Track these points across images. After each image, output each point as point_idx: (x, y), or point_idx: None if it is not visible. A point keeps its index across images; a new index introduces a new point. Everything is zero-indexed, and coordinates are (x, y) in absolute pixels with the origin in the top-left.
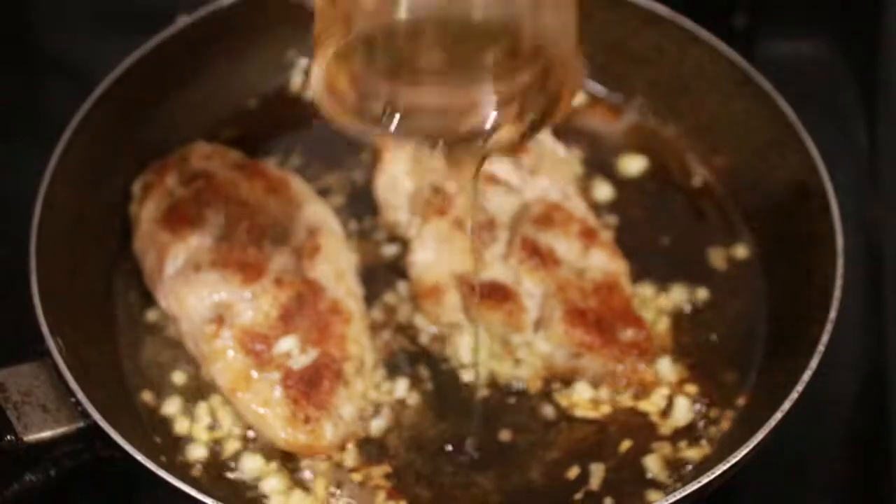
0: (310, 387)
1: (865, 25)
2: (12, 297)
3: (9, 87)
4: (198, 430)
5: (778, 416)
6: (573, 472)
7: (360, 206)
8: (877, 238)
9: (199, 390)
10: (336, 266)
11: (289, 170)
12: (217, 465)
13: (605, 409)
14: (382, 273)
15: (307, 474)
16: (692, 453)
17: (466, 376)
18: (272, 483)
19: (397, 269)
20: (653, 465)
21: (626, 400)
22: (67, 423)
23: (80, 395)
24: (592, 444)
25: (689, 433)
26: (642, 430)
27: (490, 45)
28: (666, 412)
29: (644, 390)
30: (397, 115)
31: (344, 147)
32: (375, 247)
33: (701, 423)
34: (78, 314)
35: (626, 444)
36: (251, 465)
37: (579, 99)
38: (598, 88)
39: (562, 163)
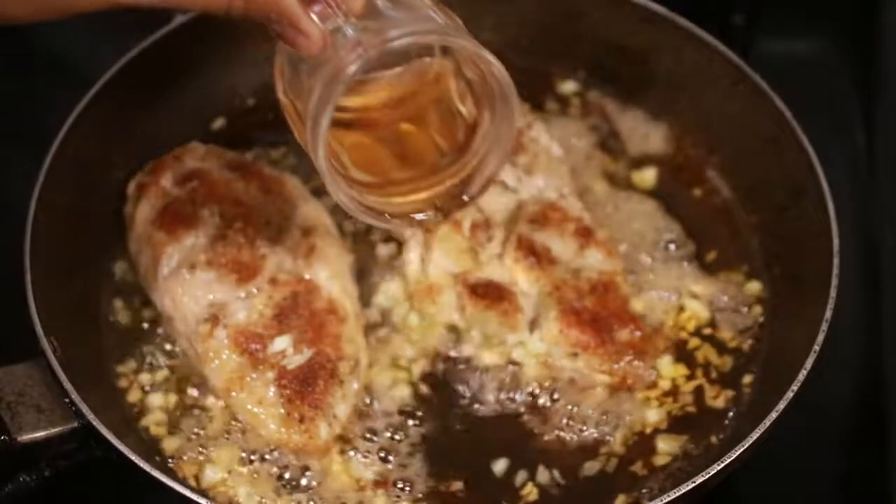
0: (304, 386)
1: (863, 24)
2: (6, 297)
3: (3, 86)
4: (191, 429)
5: (773, 415)
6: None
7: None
8: (873, 238)
9: (193, 390)
10: (331, 265)
11: (284, 169)
12: (210, 465)
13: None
14: (378, 272)
15: (297, 471)
16: (687, 452)
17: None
18: (263, 481)
19: (393, 269)
20: (655, 462)
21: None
22: (61, 424)
23: (74, 396)
24: (594, 443)
25: (684, 432)
26: (636, 431)
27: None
28: (662, 409)
29: (641, 389)
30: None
31: None
32: (371, 246)
33: (696, 423)
34: (72, 314)
35: (620, 442)
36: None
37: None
38: (593, 87)
39: (557, 162)
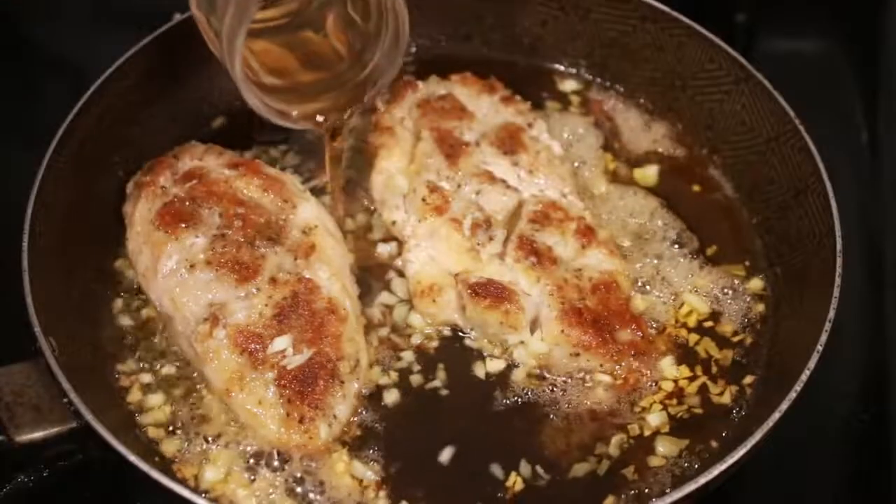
0: (304, 386)
1: (865, 23)
2: (5, 297)
3: (3, 85)
4: (191, 430)
5: (776, 416)
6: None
7: (356, 205)
8: (877, 237)
9: (192, 390)
10: (331, 265)
11: (283, 168)
12: (209, 465)
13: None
14: (378, 272)
15: (297, 472)
16: (684, 455)
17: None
18: (263, 482)
19: (393, 268)
20: (649, 464)
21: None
22: (60, 424)
23: (73, 396)
24: (591, 442)
25: (686, 435)
26: (635, 434)
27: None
28: (664, 412)
29: (641, 390)
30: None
31: None
32: (371, 246)
33: (700, 424)
34: (71, 315)
35: (618, 444)
36: (241, 465)
37: (573, 85)
38: (596, 85)
39: (558, 160)
